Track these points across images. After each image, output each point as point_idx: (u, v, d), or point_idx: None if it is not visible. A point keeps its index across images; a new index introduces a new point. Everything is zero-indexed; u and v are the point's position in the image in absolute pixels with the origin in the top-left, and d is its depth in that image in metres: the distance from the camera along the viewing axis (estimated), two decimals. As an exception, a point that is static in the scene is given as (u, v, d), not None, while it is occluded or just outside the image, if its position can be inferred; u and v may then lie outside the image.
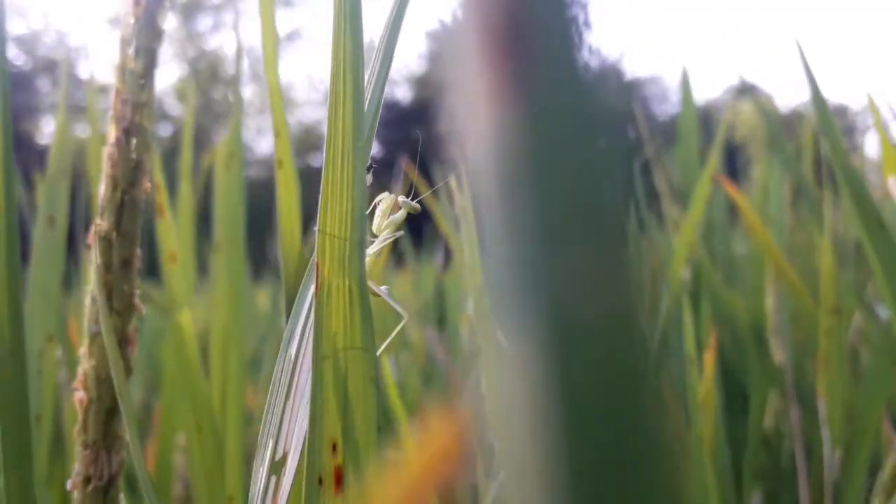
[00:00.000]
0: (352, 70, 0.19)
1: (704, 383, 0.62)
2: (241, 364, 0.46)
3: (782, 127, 1.19)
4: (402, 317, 0.27)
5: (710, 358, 0.66)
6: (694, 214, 0.77)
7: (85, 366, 0.28)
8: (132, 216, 0.29)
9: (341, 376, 0.19)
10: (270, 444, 0.21)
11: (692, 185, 1.01)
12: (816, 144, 1.19)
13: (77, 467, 0.28)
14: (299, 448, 0.21)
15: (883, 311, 0.82)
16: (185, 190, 0.58)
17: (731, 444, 0.77)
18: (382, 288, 0.27)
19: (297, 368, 0.22)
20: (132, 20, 0.30)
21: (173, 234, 0.45)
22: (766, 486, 0.89)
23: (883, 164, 0.55)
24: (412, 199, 0.28)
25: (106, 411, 0.28)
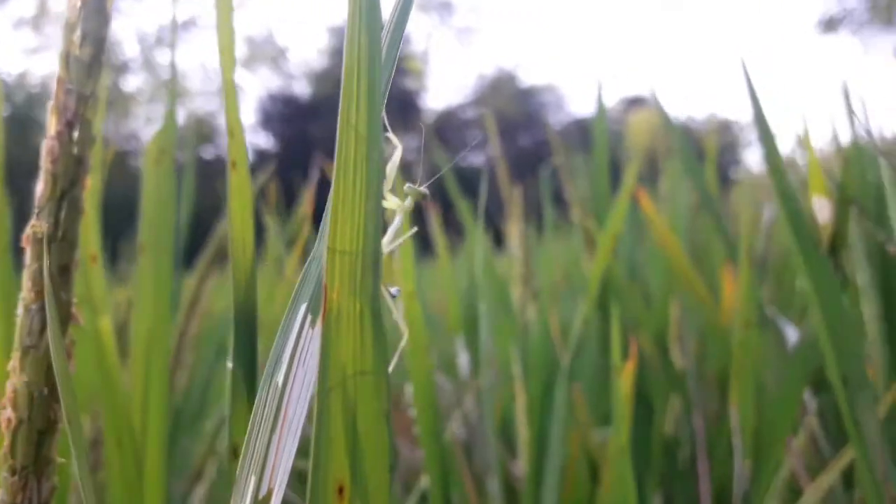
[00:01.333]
0: (367, 71, 0.17)
1: (623, 394, 0.63)
2: (164, 374, 0.43)
3: (689, 140, 1.22)
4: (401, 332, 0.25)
5: (629, 368, 0.66)
6: (612, 227, 0.77)
7: (15, 382, 0.25)
8: (72, 217, 0.27)
9: (350, 410, 0.17)
10: (253, 480, 0.19)
11: (602, 194, 1.03)
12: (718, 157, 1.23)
13: (2, 495, 0.25)
14: (284, 484, 0.19)
15: (790, 329, 0.85)
16: (94, 184, 0.54)
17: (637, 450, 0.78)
18: (394, 289, 0.25)
19: (286, 397, 0.20)
20: (78, 2, 0.27)
21: (95, 234, 0.41)
22: (666, 491, 0.91)
23: (809, 184, 0.57)
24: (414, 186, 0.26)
25: (38, 433, 0.25)
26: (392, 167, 0.24)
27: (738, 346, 0.70)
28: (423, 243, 1.27)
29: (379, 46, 0.17)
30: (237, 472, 0.20)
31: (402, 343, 0.26)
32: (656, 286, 1.00)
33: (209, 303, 1.06)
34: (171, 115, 0.44)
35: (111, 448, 0.40)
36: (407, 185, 0.26)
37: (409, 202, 0.26)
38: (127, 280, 1.05)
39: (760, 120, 0.47)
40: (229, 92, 0.30)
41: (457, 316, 0.90)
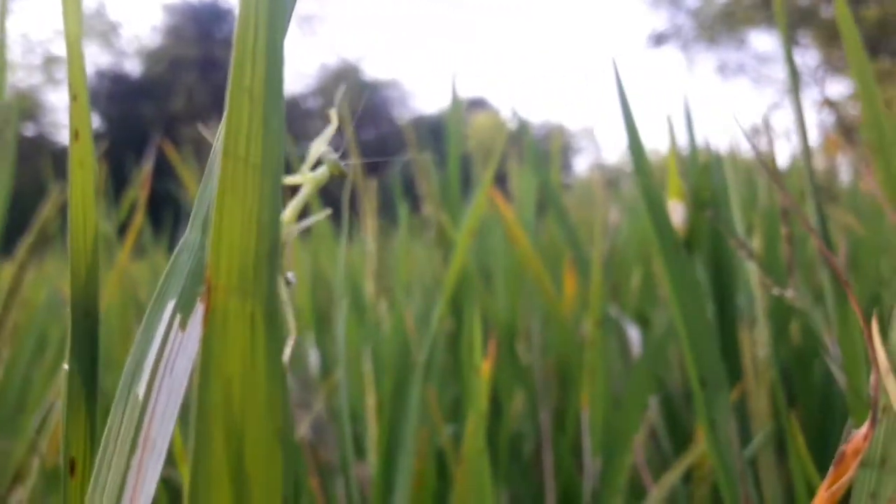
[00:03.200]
0: (267, 22, 0.14)
1: (480, 393, 0.62)
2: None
3: (536, 141, 1.24)
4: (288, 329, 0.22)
5: (487, 366, 0.65)
6: (470, 224, 0.76)
7: None
8: None
9: (237, 433, 0.14)
10: (106, 513, 0.16)
11: (455, 191, 1.02)
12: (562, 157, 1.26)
13: None
14: (147, 518, 0.15)
15: (632, 329, 0.88)
16: None
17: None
18: (289, 275, 0.21)
19: (149, 412, 0.16)
20: None
21: None
22: (511, 485, 0.92)
23: (668, 189, 0.58)
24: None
25: None
26: (320, 142, 0.21)
27: (589, 346, 0.70)
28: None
29: (283, 13, 0.14)
30: (87, 498, 0.16)
31: (289, 341, 0.22)
32: (506, 283, 1.01)
33: (29, 292, 0.97)
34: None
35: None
36: (329, 153, 0.22)
37: (321, 172, 0.22)
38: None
39: (630, 128, 0.47)
40: (73, 49, 0.26)
41: (308, 312, 0.87)
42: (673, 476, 0.65)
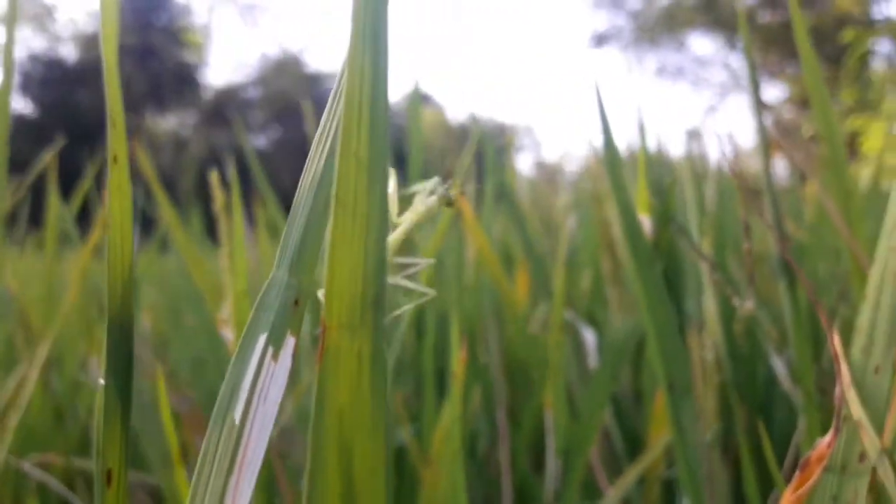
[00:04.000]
0: (370, 94, 0.16)
1: (455, 395, 0.64)
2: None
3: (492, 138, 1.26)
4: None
5: (460, 371, 0.67)
6: (440, 228, 0.78)
7: None
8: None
9: (346, 454, 0.16)
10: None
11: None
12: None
13: None
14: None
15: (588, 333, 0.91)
16: None
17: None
18: (421, 261, 0.23)
19: (245, 437, 0.18)
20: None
21: None
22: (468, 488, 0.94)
23: (637, 203, 0.60)
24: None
25: None
26: (392, 194, 0.23)
27: (553, 349, 0.73)
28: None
29: (385, 68, 0.16)
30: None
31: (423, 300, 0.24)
32: (465, 282, 1.03)
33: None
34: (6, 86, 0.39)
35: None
36: (434, 180, 0.24)
37: (432, 201, 0.24)
38: None
39: (609, 142, 0.50)
40: (110, 73, 0.27)
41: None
42: (629, 478, 0.68)
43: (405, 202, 0.25)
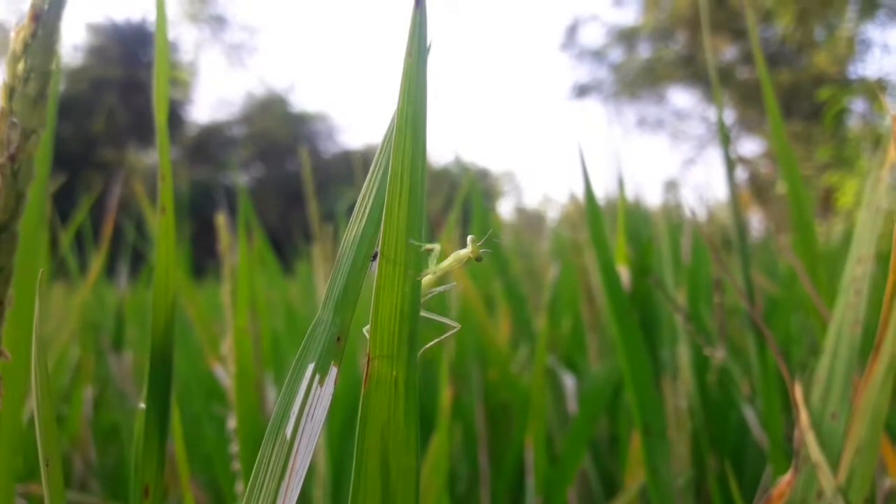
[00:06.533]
0: (410, 173, 0.20)
1: (442, 428, 0.67)
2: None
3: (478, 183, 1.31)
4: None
5: (446, 410, 0.71)
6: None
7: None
8: (9, 252, 0.26)
9: (385, 464, 0.19)
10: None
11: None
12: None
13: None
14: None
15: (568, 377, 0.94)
16: None
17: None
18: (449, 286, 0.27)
19: (294, 450, 0.21)
20: (28, 34, 0.27)
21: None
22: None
23: (616, 255, 0.64)
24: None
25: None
26: (434, 254, 0.27)
27: (536, 394, 0.76)
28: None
29: (424, 152, 0.20)
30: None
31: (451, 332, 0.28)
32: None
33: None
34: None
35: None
36: (471, 237, 0.28)
37: (465, 252, 0.28)
38: None
39: (590, 198, 0.54)
40: (161, 135, 0.31)
41: (269, 347, 0.90)
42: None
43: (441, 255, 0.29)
